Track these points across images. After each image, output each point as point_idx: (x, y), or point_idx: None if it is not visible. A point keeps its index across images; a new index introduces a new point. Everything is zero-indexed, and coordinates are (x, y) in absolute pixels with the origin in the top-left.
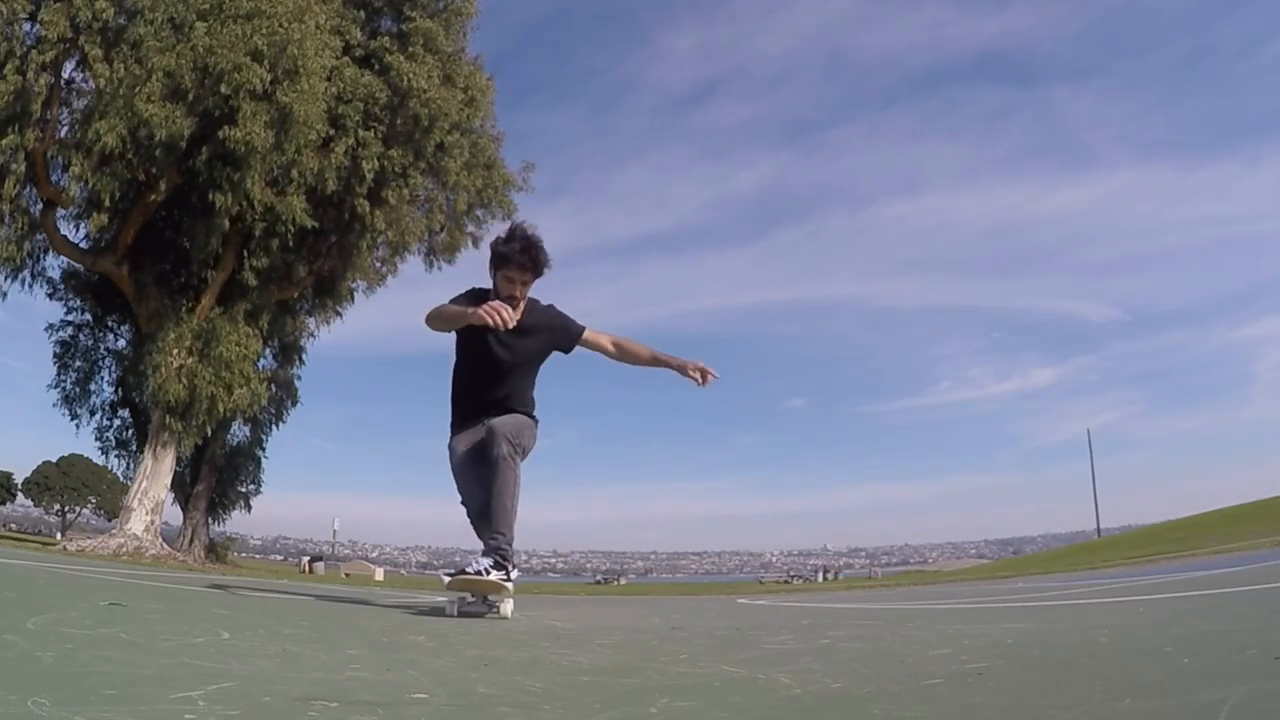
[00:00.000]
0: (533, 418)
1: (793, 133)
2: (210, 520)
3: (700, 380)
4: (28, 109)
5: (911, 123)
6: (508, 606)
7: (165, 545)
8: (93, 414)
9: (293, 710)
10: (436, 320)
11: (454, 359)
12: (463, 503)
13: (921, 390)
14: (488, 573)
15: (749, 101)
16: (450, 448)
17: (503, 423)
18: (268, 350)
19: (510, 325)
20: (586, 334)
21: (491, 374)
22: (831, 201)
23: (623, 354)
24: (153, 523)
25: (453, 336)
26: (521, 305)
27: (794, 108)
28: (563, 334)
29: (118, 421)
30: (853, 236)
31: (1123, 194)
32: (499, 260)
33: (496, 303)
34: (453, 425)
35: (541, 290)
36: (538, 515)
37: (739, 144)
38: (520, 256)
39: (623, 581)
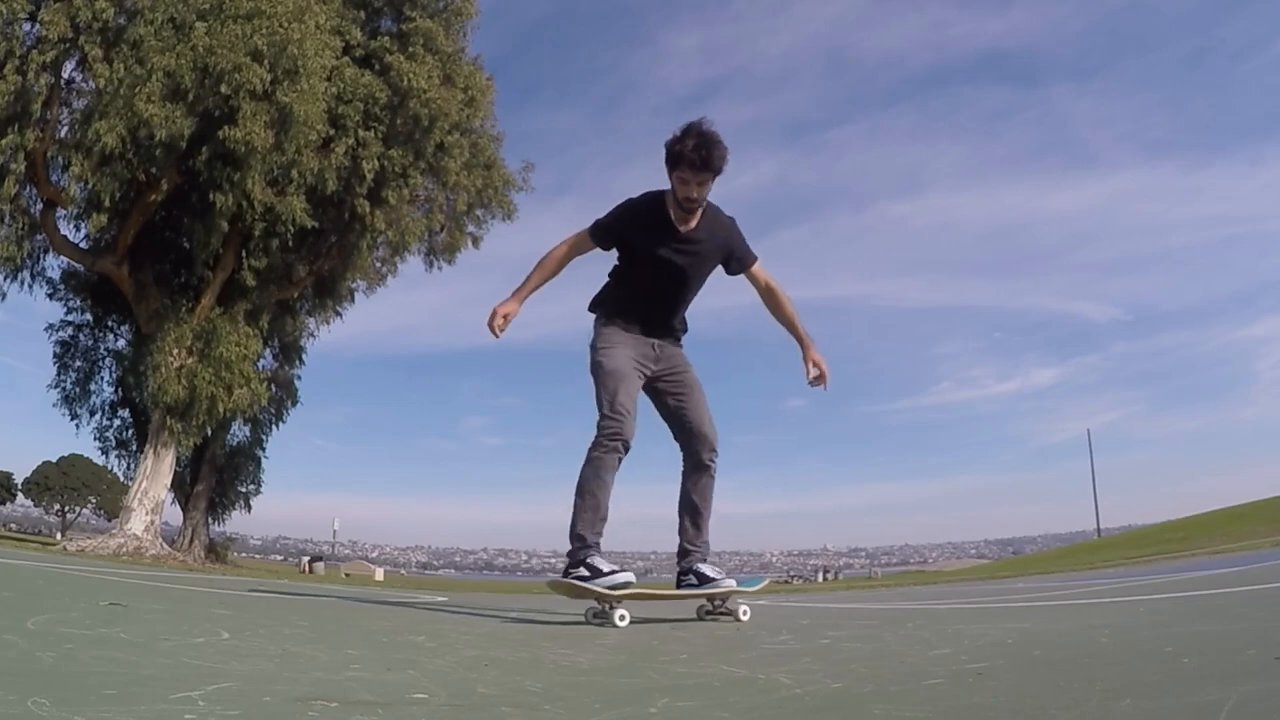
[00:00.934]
0: (681, 341)
1: (795, 133)
2: (210, 520)
3: (816, 377)
4: (28, 109)
5: (914, 123)
6: (743, 610)
7: (165, 545)
8: (93, 414)
9: (293, 710)
10: (541, 266)
11: (617, 263)
12: (610, 401)
13: (923, 390)
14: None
15: (751, 101)
16: (608, 348)
17: (711, 433)
18: (268, 350)
19: (498, 336)
20: (756, 266)
21: (664, 286)
22: (834, 201)
23: (771, 302)
24: (153, 523)
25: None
26: (700, 210)
27: (796, 108)
28: (736, 254)
29: (118, 421)
30: (855, 236)
31: (1125, 194)
32: (672, 160)
33: (490, 322)
34: (610, 323)
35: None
36: (538, 515)
37: (741, 144)
38: (693, 154)
39: None
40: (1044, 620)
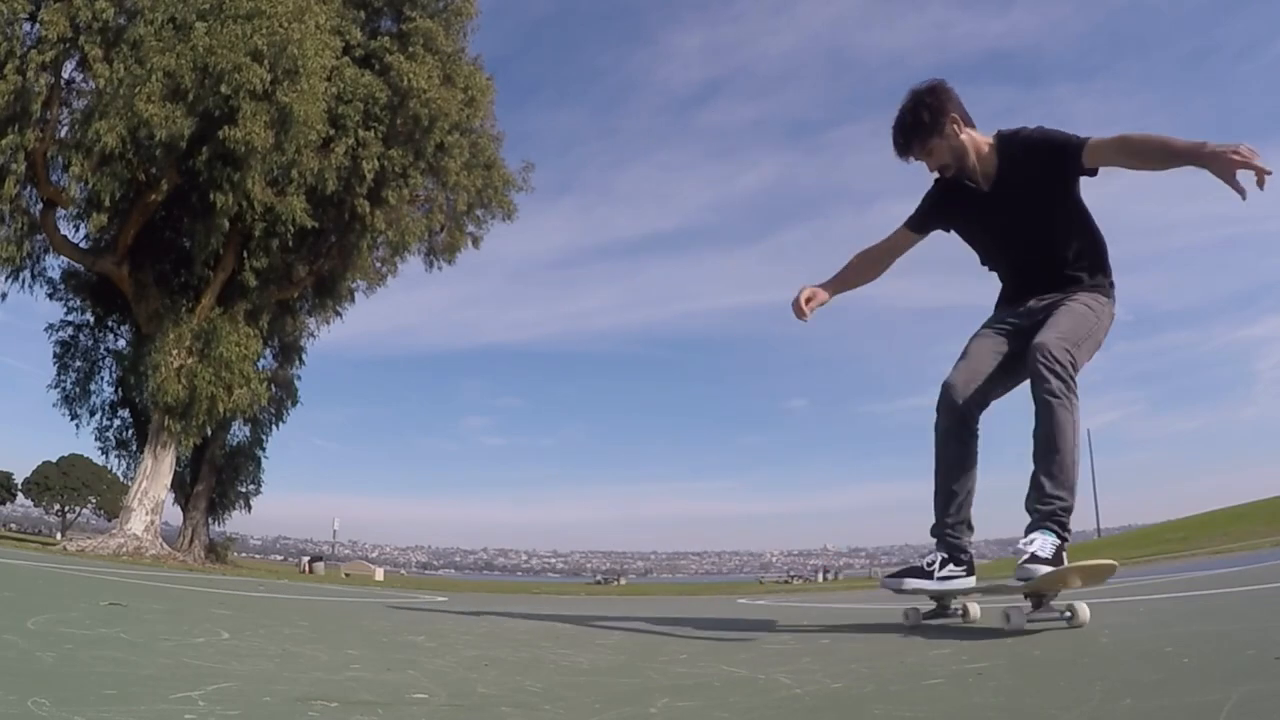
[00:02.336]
0: (1095, 286)
1: (797, 133)
2: (210, 520)
3: (1258, 180)
4: (28, 109)
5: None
6: (1082, 610)
7: (165, 545)
8: (93, 414)
9: (293, 710)
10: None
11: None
12: (954, 383)
13: (924, 390)
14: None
15: (754, 101)
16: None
17: (1047, 338)
18: (268, 350)
19: (805, 319)
20: (1090, 144)
21: (1005, 251)
22: (836, 201)
23: (1131, 155)
24: (153, 523)
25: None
26: (973, 158)
27: (798, 108)
28: (1056, 157)
29: (118, 421)
30: (857, 236)
31: (1126, 194)
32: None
33: (800, 302)
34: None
35: (543, 286)
36: (538, 515)
37: (743, 144)
38: (893, 138)
39: (623, 581)
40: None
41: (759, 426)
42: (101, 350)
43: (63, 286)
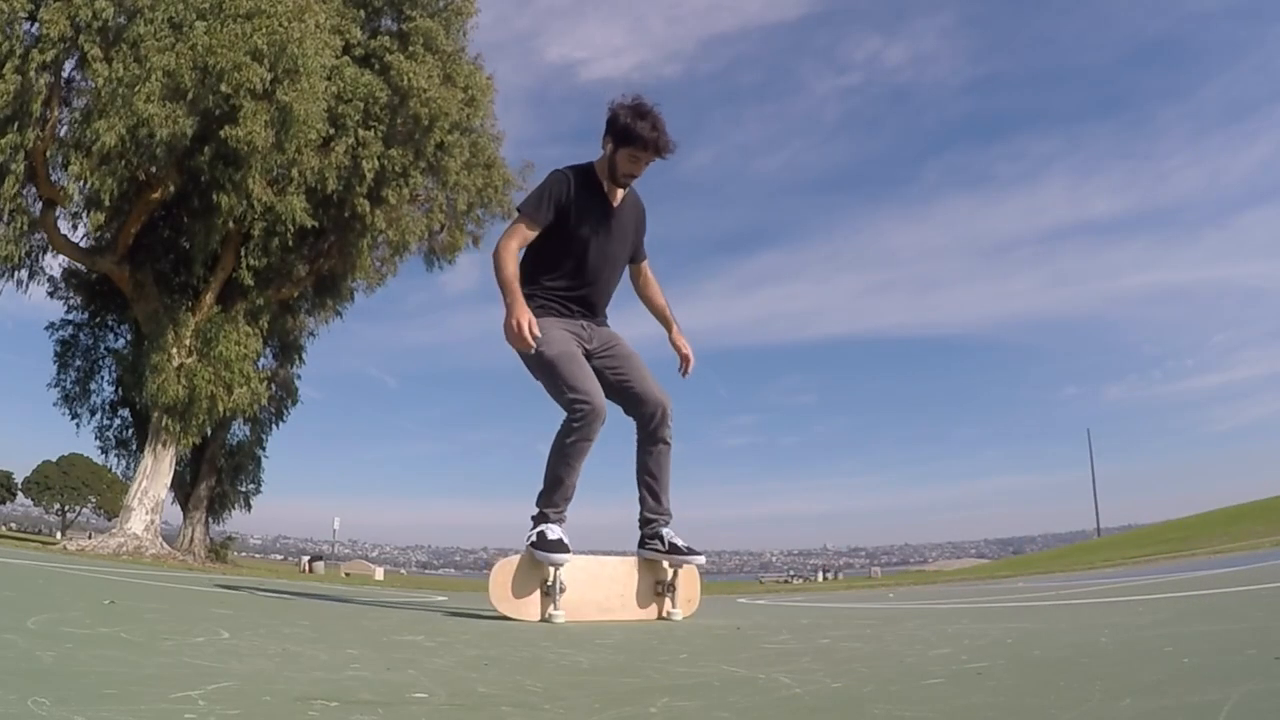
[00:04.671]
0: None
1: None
2: (210, 520)
3: (681, 366)
4: (28, 108)
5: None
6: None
7: (165, 545)
8: (93, 413)
9: (293, 710)
10: (501, 265)
11: (537, 243)
12: (570, 384)
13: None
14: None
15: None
16: (545, 334)
17: (664, 394)
18: (268, 350)
19: (529, 349)
20: (645, 262)
21: (596, 259)
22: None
23: (648, 290)
24: (153, 522)
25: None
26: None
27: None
28: (638, 242)
29: (118, 421)
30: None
31: None
32: (623, 135)
33: (523, 333)
34: (538, 306)
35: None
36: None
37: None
38: (651, 135)
39: None
40: (1044, 620)
41: (759, 425)
42: (101, 350)
43: (63, 285)
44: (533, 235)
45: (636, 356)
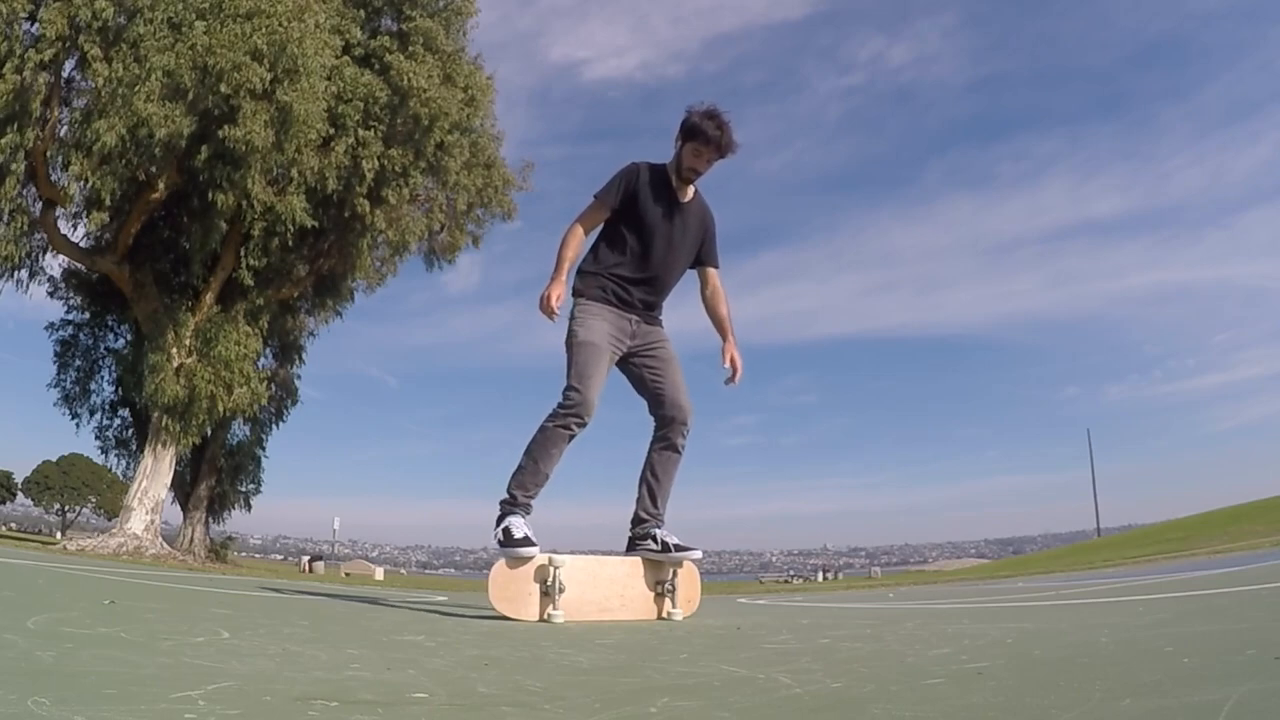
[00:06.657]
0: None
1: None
2: (210, 520)
3: (730, 375)
4: (27, 108)
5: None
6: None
7: (165, 545)
8: (93, 413)
9: (293, 710)
10: (561, 243)
11: (606, 229)
12: (578, 375)
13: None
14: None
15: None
16: (587, 320)
17: (689, 404)
18: (268, 350)
19: (552, 318)
20: (716, 270)
21: (660, 251)
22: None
23: (715, 301)
24: (153, 522)
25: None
26: (694, 187)
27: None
28: (707, 246)
29: (118, 421)
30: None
31: None
32: (692, 131)
33: (548, 305)
34: (593, 297)
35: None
36: (538, 515)
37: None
38: (715, 133)
39: None
40: (1044, 620)
41: (761, 426)
42: (101, 349)
43: (63, 285)
44: (601, 218)
45: (676, 362)
